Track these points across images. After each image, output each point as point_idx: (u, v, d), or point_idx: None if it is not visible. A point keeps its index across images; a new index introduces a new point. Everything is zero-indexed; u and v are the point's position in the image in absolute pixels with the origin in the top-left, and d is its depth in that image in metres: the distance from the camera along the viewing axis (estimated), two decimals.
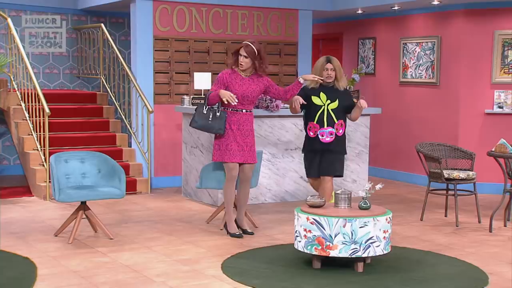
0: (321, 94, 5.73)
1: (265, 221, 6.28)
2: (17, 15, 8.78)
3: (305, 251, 4.59)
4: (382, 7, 8.60)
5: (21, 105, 7.83)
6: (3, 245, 5.17)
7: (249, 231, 5.70)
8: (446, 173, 6.24)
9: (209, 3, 8.36)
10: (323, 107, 5.72)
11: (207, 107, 5.50)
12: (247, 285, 4.30)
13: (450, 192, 6.48)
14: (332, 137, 5.73)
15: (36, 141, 7.50)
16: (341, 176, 5.93)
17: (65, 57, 9.28)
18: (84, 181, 5.65)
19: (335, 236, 4.46)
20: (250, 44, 5.49)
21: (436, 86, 8.47)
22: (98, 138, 8.15)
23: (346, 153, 5.90)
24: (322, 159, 5.76)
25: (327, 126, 5.72)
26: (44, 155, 7.29)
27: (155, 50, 8.13)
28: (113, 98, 8.61)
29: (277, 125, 7.29)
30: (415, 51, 8.73)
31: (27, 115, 7.71)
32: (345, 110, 5.77)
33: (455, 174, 6.23)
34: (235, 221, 5.71)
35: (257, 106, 7.11)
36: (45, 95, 7.40)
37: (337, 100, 5.72)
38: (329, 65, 5.74)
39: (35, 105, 7.56)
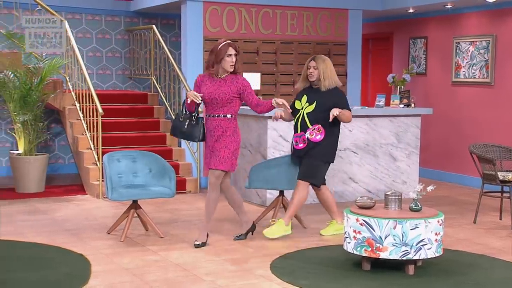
0: (304, 97, 5.53)
1: (313, 221, 6.25)
2: (73, 17, 9.02)
3: (355, 252, 4.55)
4: (434, 5, 8.45)
5: (75, 105, 8.03)
6: (59, 241, 5.32)
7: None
8: (500, 175, 6.08)
9: (258, 4, 8.39)
10: (300, 111, 5.49)
11: (184, 114, 5.22)
12: (295, 286, 4.29)
13: (505, 194, 6.31)
14: (304, 143, 5.44)
15: (90, 141, 7.68)
16: (316, 185, 5.56)
17: (118, 58, 9.48)
18: (136, 180, 5.75)
19: (385, 238, 4.41)
20: (232, 42, 5.21)
21: (491, 86, 8.26)
22: (149, 138, 8.29)
23: (326, 161, 5.49)
24: (302, 164, 5.52)
25: (300, 131, 5.46)
26: (97, 154, 7.46)
27: (205, 51, 8.20)
28: (164, 99, 8.73)
29: None
30: (469, 50, 8.53)
31: (81, 115, 7.90)
32: (326, 112, 5.35)
33: (510, 176, 6.06)
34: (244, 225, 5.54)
35: None
36: (98, 95, 7.57)
37: (314, 103, 5.44)
38: (311, 63, 5.49)
39: (89, 105, 7.75)
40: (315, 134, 5.40)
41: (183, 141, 8.30)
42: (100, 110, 7.37)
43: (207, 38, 8.20)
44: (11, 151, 8.06)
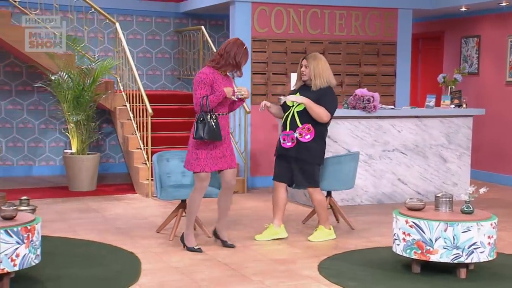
0: (296, 94, 5.39)
1: (361, 222, 6.20)
2: (124, 19, 9.20)
3: (404, 254, 4.49)
4: (488, 3, 8.25)
5: (126, 105, 8.19)
6: (110, 239, 5.43)
7: (229, 243, 5.23)
8: None
9: (307, 4, 8.37)
10: (291, 109, 5.34)
11: (209, 114, 4.89)
12: (343, 287, 4.26)
13: None
14: (293, 143, 5.28)
15: (139, 140, 7.81)
16: (316, 186, 5.40)
17: (167, 59, 9.62)
18: (184, 180, 5.82)
19: (435, 241, 4.33)
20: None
21: None
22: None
23: (318, 163, 5.36)
24: (289, 166, 5.35)
25: (289, 129, 5.31)
26: (147, 154, 7.58)
27: (253, 51, 8.24)
28: None
29: (374, 126, 7.17)
30: None
31: (131, 115, 8.04)
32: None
33: None
34: (214, 231, 5.30)
35: (354, 107, 7.04)
36: (148, 96, 7.70)
37: None
38: (303, 62, 5.35)
39: (139, 105, 7.88)
40: (305, 133, 5.26)
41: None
42: (149, 110, 7.49)
43: (255, 39, 8.23)
44: (65, 151, 8.28)
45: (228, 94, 4.91)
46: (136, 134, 7.91)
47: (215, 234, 5.29)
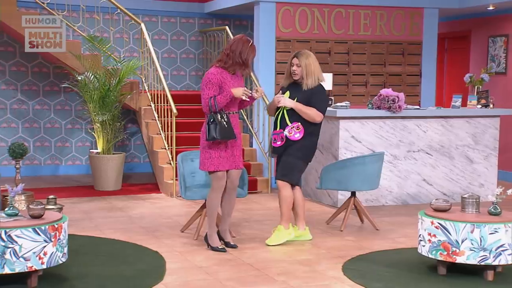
0: (286, 93, 5.30)
1: (386, 223, 6.16)
2: (149, 20, 9.27)
3: (429, 256, 4.45)
4: None
5: (151, 105, 8.24)
6: (135, 238, 5.47)
7: (232, 243, 5.18)
8: None
9: (331, 4, 8.35)
10: (281, 108, 5.23)
11: (219, 114, 4.88)
12: None
13: None
14: (282, 141, 5.19)
15: (164, 140, 7.86)
16: (292, 184, 5.27)
17: (192, 59, 9.66)
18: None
19: (462, 242, 4.28)
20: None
21: None
22: None
23: (303, 159, 5.23)
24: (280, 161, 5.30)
25: (279, 128, 5.22)
26: (171, 153, 7.62)
27: (277, 52, 8.24)
28: None
29: (399, 126, 7.12)
30: None
31: (156, 115, 8.10)
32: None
33: None
34: (218, 233, 5.22)
35: (378, 107, 7.00)
36: (172, 96, 7.74)
37: (295, 100, 5.18)
38: (294, 61, 5.20)
39: (164, 105, 7.93)
40: (294, 132, 5.17)
41: (254, 141, 8.36)
42: (174, 110, 7.53)
43: (280, 39, 8.23)
44: (91, 150, 8.37)
45: (236, 94, 4.88)
46: (160, 134, 7.96)
47: (218, 236, 5.20)
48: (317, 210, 6.86)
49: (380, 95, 7.02)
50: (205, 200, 5.66)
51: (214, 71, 4.96)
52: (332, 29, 8.44)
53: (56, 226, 4.07)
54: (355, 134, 6.95)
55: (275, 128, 5.28)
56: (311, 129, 5.23)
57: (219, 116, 4.88)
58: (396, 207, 7.05)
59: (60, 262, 4.14)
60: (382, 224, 6.10)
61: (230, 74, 4.97)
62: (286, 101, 5.19)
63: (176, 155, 7.11)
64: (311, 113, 5.17)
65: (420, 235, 4.53)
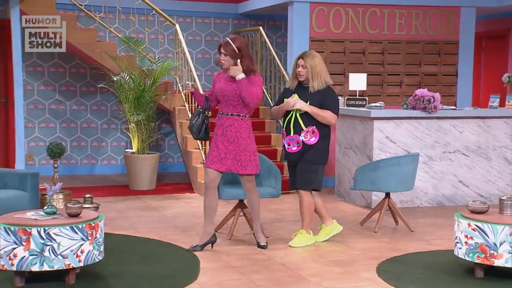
0: (295, 95, 5.19)
1: (421, 225, 6.09)
2: (184, 21, 9.34)
3: (466, 258, 4.38)
4: None
5: (185, 106, 8.31)
6: (169, 237, 5.52)
7: (262, 244, 5.20)
8: None
9: (366, 3, 8.29)
10: (292, 112, 5.13)
11: (198, 110, 5.13)
12: None
13: None
14: (299, 146, 5.10)
15: (198, 140, 7.90)
16: (318, 190, 5.24)
17: None
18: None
19: (500, 245, 4.21)
20: (230, 41, 4.93)
21: None
22: (255, 138, 8.37)
23: (322, 163, 5.19)
24: (295, 170, 5.21)
25: (294, 133, 5.12)
26: (205, 153, 7.66)
27: None
28: (269, 99, 8.83)
29: (434, 127, 7.03)
30: None
31: (190, 115, 8.15)
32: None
33: None
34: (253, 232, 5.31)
35: (413, 107, 6.92)
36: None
37: (307, 104, 5.09)
38: (300, 61, 5.10)
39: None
40: (310, 136, 5.09)
41: None
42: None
43: (313, 39, 8.21)
44: (126, 150, 8.47)
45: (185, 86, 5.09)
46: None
47: (254, 235, 5.32)
48: (351, 211, 6.83)
49: (415, 95, 6.94)
50: (238, 200, 5.70)
51: (217, 73, 5.19)
52: (366, 29, 8.38)
53: (93, 224, 4.14)
54: (389, 134, 6.89)
55: (288, 133, 5.17)
56: (325, 132, 5.17)
57: (196, 112, 5.14)
58: (431, 208, 6.96)
59: (97, 260, 4.21)
60: (417, 225, 6.04)
61: (226, 75, 5.02)
62: (302, 105, 5.07)
63: None
64: (327, 116, 5.10)
65: (457, 237, 4.47)
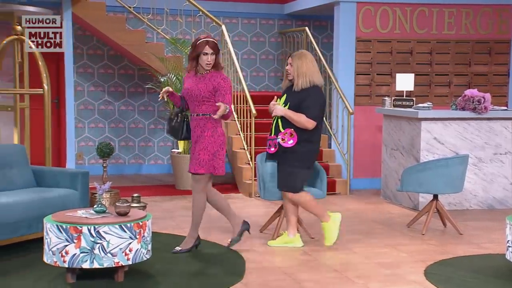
0: (283, 96, 5.10)
1: (470, 228, 5.97)
2: (230, 22, 9.40)
3: None
4: None
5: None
6: (215, 237, 5.56)
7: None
8: None
9: (414, 3, 8.18)
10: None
11: (174, 112, 5.03)
12: None
13: None
14: (275, 148, 5.02)
15: (243, 141, 7.94)
16: (294, 192, 5.10)
17: (271, 60, 9.72)
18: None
19: None
20: (213, 40, 4.91)
21: None
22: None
23: (302, 167, 5.04)
24: (279, 170, 5.15)
25: (273, 134, 5.05)
26: (250, 154, 7.70)
27: (357, 52, 8.16)
28: None
29: (485, 128, 6.88)
30: None
31: (235, 115, 8.20)
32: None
33: None
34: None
35: (463, 108, 6.79)
36: (252, 97, 7.81)
37: (287, 105, 4.99)
38: (289, 60, 5.06)
39: (243, 106, 8.02)
40: (287, 138, 4.97)
41: (333, 143, 8.32)
42: (253, 111, 7.60)
43: (360, 39, 8.14)
44: (172, 150, 8.58)
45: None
46: (240, 135, 8.05)
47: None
48: (397, 213, 6.74)
49: (465, 95, 6.81)
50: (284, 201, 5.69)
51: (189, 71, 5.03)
52: (414, 28, 8.26)
53: (141, 223, 4.21)
54: (437, 135, 6.78)
55: (270, 133, 5.13)
56: (306, 135, 5.00)
57: (172, 114, 5.02)
58: (481, 211, 6.82)
59: (145, 258, 4.27)
60: (466, 228, 5.92)
61: (193, 75, 4.92)
62: (277, 110, 5.00)
63: (255, 155, 7.17)
64: (301, 121, 4.96)
65: (508, 241, 4.36)
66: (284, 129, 5.01)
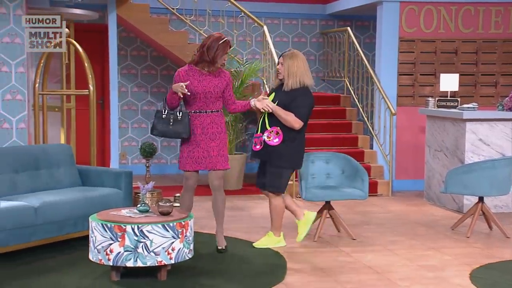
0: (272, 95, 5.07)
1: None
2: (271, 22, 9.42)
3: None
4: None
5: None
6: (256, 237, 5.55)
7: (219, 248, 5.04)
8: None
9: (459, 2, 8.04)
10: (264, 111, 5.03)
11: (167, 110, 4.87)
12: None
13: None
14: (261, 145, 5.01)
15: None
16: (277, 192, 5.12)
17: (312, 61, 9.69)
18: (328, 181, 5.83)
19: None
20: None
21: None
22: (341, 140, 8.34)
23: (287, 167, 5.06)
24: (263, 169, 5.15)
25: (260, 132, 5.05)
26: None
27: (400, 52, 8.07)
28: (356, 100, 8.73)
29: None
30: None
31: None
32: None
33: None
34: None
35: (510, 109, 6.64)
36: None
37: (277, 103, 4.97)
38: (280, 59, 5.03)
39: None
40: (273, 137, 4.97)
41: (375, 143, 8.23)
42: None
43: (403, 39, 8.05)
44: None
45: (173, 89, 4.82)
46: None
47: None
48: (441, 215, 6.64)
49: None
50: (325, 202, 5.67)
51: (182, 69, 4.95)
52: (459, 27, 8.12)
53: (183, 223, 4.25)
54: (483, 137, 6.64)
55: (256, 131, 5.13)
56: (292, 134, 4.99)
57: (163, 112, 4.87)
58: None
59: (187, 258, 4.32)
60: None
61: (200, 71, 4.89)
62: (267, 104, 4.97)
63: None
64: (289, 119, 4.95)
65: None
66: (270, 127, 5.01)
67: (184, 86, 4.75)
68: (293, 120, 4.96)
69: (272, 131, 4.99)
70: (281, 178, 5.09)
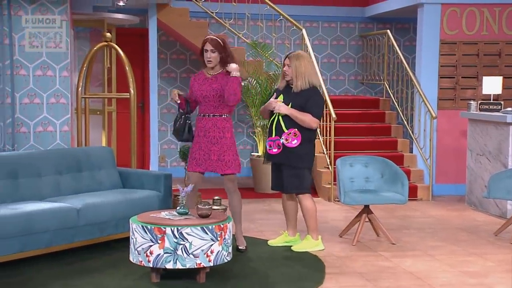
0: (280, 97, 4.98)
1: None
2: (310, 26, 9.40)
3: None
4: None
5: None
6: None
7: (240, 247, 5.10)
8: None
9: (503, 3, 7.89)
10: (275, 113, 5.02)
11: (178, 112, 5.08)
12: None
13: None
14: (279, 149, 4.99)
15: (322, 145, 7.91)
16: (304, 192, 5.14)
17: (351, 64, 9.64)
18: (367, 185, 5.78)
19: None
20: (215, 37, 4.89)
21: None
22: (380, 143, 8.27)
23: (306, 167, 5.09)
24: (278, 173, 5.15)
25: (275, 135, 5.02)
26: (330, 158, 7.65)
27: (441, 55, 7.96)
28: (396, 104, 8.64)
29: None
30: None
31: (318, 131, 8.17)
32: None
33: None
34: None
35: None
36: (331, 100, 7.77)
37: (289, 105, 4.94)
38: (286, 61, 5.00)
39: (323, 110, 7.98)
40: (291, 139, 4.98)
41: (415, 147, 8.14)
42: (333, 115, 7.56)
43: (444, 42, 7.94)
44: (252, 153, 8.66)
45: (170, 95, 4.91)
46: (319, 139, 8.02)
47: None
48: (483, 220, 6.51)
49: None
50: (364, 206, 5.63)
51: (196, 74, 5.09)
52: (503, 29, 7.96)
53: (222, 226, 4.27)
54: None
55: (270, 134, 5.10)
56: (308, 135, 5.05)
57: (178, 116, 5.07)
58: None
59: (225, 260, 4.34)
60: None
61: (205, 76, 4.97)
62: (281, 107, 4.99)
63: (335, 159, 7.13)
64: (307, 120, 4.99)
65: None
66: (287, 129, 5.01)
67: (177, 95, 4.96)
68: (311, 120, 5.02)
69: (290, 133, 5.02)
70: (304, 178, 5.14)
